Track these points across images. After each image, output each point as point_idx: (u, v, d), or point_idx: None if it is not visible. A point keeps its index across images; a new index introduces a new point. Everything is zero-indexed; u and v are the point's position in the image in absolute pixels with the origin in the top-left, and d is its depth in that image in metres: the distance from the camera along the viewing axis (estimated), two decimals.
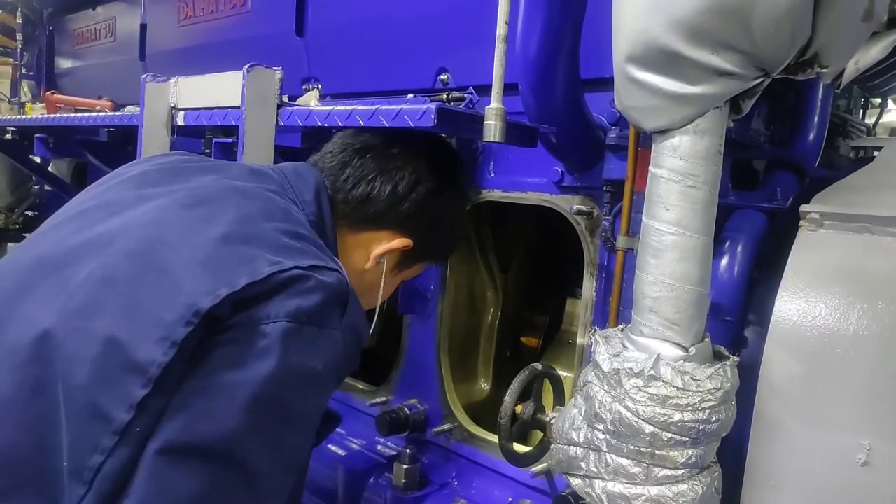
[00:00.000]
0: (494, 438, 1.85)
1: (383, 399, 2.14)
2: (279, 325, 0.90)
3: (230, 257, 0.95)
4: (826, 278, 1.22)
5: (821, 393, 1.16)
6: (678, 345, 1.05)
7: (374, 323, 1.41)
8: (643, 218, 1.09)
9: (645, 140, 1.37)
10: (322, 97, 2.12)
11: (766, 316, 1.26)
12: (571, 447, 1.14)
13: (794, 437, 1.17)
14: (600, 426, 1.07)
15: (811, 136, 1.74)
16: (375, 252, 1.31)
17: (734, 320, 1.42)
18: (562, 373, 2.09)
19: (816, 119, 1.74)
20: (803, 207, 1.32)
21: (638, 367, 1.03)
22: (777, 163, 1.77)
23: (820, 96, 1.73)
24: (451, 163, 1.47)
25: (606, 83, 1.48)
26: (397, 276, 1.43)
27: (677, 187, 1.03)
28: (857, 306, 1.17)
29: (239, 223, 1.02)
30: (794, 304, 1.23)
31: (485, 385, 2.28)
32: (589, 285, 1.67)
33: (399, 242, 1.32)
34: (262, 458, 0.91)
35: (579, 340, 1.70)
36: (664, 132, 1.04)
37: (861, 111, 2.51)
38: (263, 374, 0.88)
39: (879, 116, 2.69)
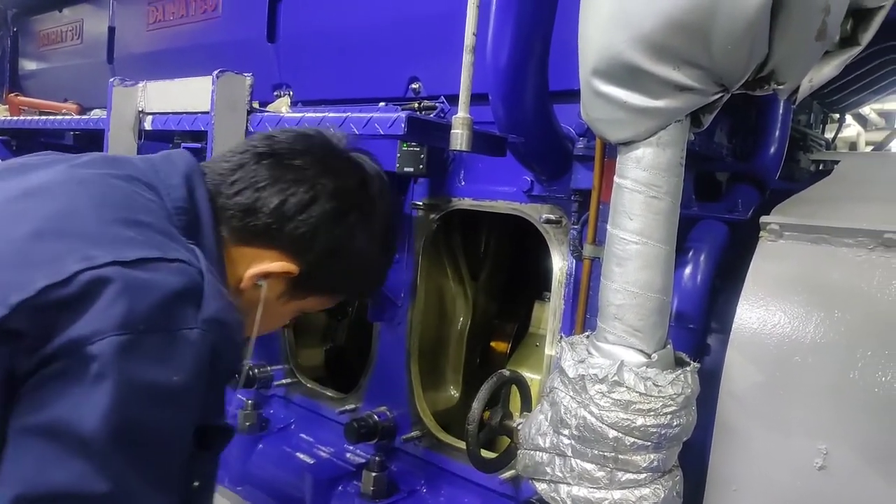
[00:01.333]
0: (463, 446, 1.86)
1: (352, 406, 2.13)
2: (108, 342, 0.77)
3: (34, 256, 0.82)
4: (785, 288, 1.26)
5: (780, 399, 1.19)
6: (641, 351, 1.08)
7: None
8: (608, 227, 1.11)
9: (611, 151, 1.40)
10: (293, 104, 2.12)
11: (727, 324, 1.29)
12: (537, 452, 1.15)
13: (754, 443, 1.20)
14: (566, 431, 1.08)
15: (772, 150, 1.80)
16: (251, 272, 1.12)
17: (697, 328, 1.45)
18: (529, 375, 2.12)
19: (777, 134, 1.80)
20: (764, 218, 1.35)
21: (602, 372, 1.05)
22: (739, 175, 1.82)
23: (781, 112, 1.79)
24: (369, 192, 1.22)
25: (575, 95, 1.51)
26: (287, 305, 1.22)
27: (641, 198, 1.05)
28: (815, 315, 1.20)
29: (57, 217, 0.89)
30: (755, 313, 1.26)
31: (454, 392, 2.28)
32: (557, 293, 1.69)
33: (279, 266, 1.12)
34: (128, 490, 0.80)
35: (547, 350, 1.72)
36: (628, 144, 1.06)
37: (821, 126, 2.58)
38: (105, 404, 0.76)
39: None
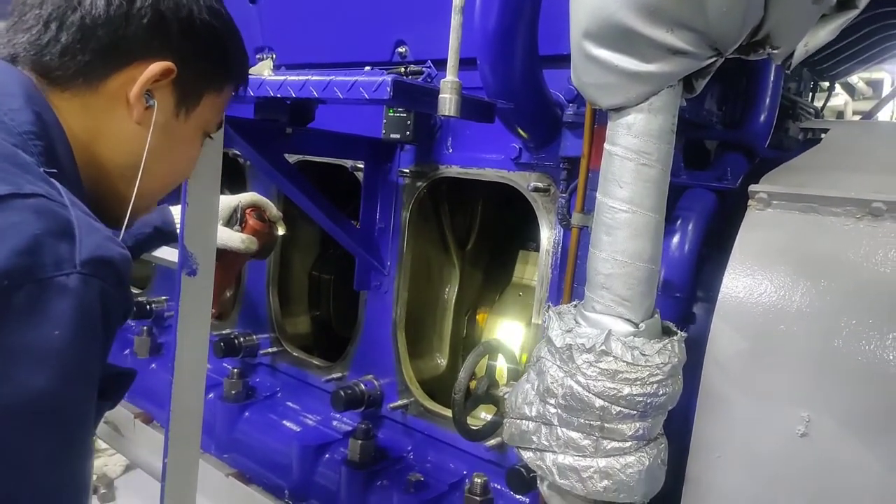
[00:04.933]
0: (450, 413, 1.87)
1: (339, 375, 2.13)
2: None
3: None
4: (772, 257, 1.25)
5: (764, 367, 1.19)
6: (629, 321, 1.07)
7: None
8: (598, 195, 1.09)
9: (601, 118, 1.38)
10: (276, 67, 2.06)
11: (714, 293, 1.29)
12: (524, 421, 1.15)
13: (738, 410, 1.21)
14: (552, 400, 1.08)
15: (762, 118, 1.78)
16: (133, 93, 0.93)
17: (683, 297, 1.45)
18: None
19: (768, 101, 1.78)
20: (752, 187, 1.34)
21: (589, 342, 1.04)
22: (728, 143, 1.80)
23: (771, 79, 1.77)
24: None
25: (564, 60, 1.48)
26: (190, 121, 1.03)
27: (631, 165, 1.03)
28: (801, 284, 1.20)
29: None
30: (741, 282, 1.25)
31: (441, 361, 2.29)
32: (545, 262, 1.68)
33: (156, 67, 0.93)
34: (28, 463, 0.68)
35: (534, 319, 1.71)
36: (619, 110, 1.04)
37: (810, 94, 2.57)
38: None
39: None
